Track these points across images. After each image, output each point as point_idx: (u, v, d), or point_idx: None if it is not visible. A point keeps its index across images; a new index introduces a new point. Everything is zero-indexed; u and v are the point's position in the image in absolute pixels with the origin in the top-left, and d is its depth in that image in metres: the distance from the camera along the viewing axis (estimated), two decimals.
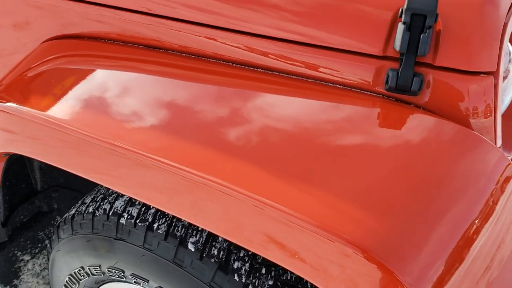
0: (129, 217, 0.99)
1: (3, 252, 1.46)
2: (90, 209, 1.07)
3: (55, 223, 1.61)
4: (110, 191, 1.10)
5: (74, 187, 1.57)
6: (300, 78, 0.87)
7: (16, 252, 1.53)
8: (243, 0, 0.87)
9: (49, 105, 0.90)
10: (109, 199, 1.06)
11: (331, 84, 0.86)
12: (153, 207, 1.00)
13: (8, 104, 0.93)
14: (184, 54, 0.95)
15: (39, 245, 1.59)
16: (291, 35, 0.85)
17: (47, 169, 1.43)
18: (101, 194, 1.12)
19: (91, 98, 0.90)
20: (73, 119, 0.84)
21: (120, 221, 1.00)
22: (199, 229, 0.95)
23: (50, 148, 0.90)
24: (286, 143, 0.77)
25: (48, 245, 1.28)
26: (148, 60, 0.98)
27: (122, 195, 1.06)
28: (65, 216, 1.19)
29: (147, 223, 0.97)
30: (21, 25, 1.12)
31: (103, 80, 0.95)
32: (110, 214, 1.02)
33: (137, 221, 0.98)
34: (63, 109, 0.88)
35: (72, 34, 1.08)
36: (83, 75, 0.97)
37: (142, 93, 0.90)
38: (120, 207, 1.02)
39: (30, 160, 1.35)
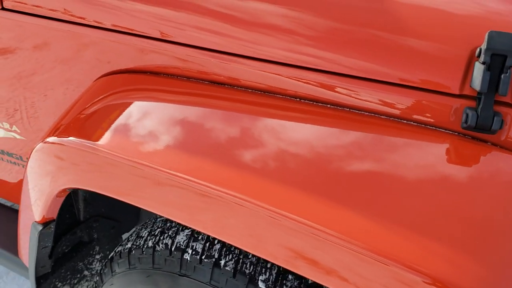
0: (193, 252, 0.98)
1: (46, 283, 1.44)
2: (150, 244, 1.06)
3: (94, 253, 1.60)
4: (168, 225, 1.10)
5: (113, 217, 1.57)
6: (376, 115, 0.87)
7: (57, 283, 1.51)
8: (312, 37, 0.88)
9: (122, 141, 0.90)
10: (169, 233, 1.06)
11: (405, 121, 0.86)
12: (217, 243, 0.99)
13: (79, 140, 0.93)
14: (243, 89, 0.96)
15: (78, 275, 1.57)
16: (368, 73, 0.86)
17: (90, 199, 1.42)
18: (158, 228, 1.11)
19: (159, 133, 0.90)
20: (153, 156, 0.84)
21: (184, 256, 0.99)
22: (268, 266, 0.94)
23: (125, 185, 0.90)
24: (366, 180, 0.77)
25: (98, 278, 1.27)
26: (205, 94, 0.99)
27: (183, 230, 1.05)
28: (118, 249, 1.18)
29: (214, 259, 0.96)
30: (75, 63, 1.14)
31: (166, 115, 0.95)
32: (172, 249, 1.01)
33: (203, 257, 0.97)
34: (137, 145, 0.88)
35: (126, 69, 1.09)
36: (146, 109, 0.97)
37: (211, 128, 0.91)
38: (183, 242, 1.01)
39: (75, 191, 1.34)
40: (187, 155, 0.82)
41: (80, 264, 1.57)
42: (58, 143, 0.97)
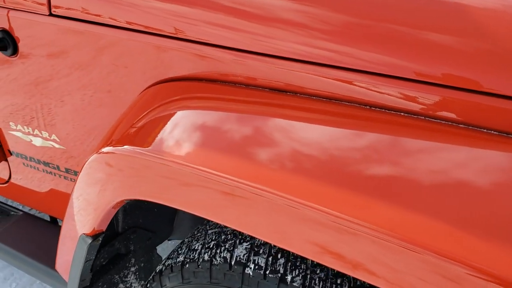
0: (256, 267, 0.95)
1: None
2: (206, 257, 1.02)
3: (129, 265, 1.56)
4: (223, 237, 1.06)
5: (150, 228, 1.53)
6: (459, 125, 0.83)
7: None
8: (382, 42, 0.85)
9: (198, 151, 0.86)
10: (226, 247, 1.02)
11: (485, 130, 0.83)
12: (281, 257, 0.95)
13: (143, 149, 0.90)
14: (292, 93, 0.92)
15: None
16: (454, 82, 0.82)
17: (130, 209, 1.39)
18: (212, 240, 1.07)
19: (227, 142, 0.86)
20: (225, 166, 0.81)
21: (246, 271, 0.95)
22: (338, 282, 0.90)
23: (194, 196, 0.86)
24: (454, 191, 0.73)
25: None
26: (268, 102, 0.95)
27: (241, 242, 1.02)
28: (168, 262, 1.14)
29: (279, 274, 0.92)
30: (123, 71, 1.10)
31: (233, 123, 0.92)
32: (232, 263, 0.97)
33: (267, 272, 0.93)
34: (207, 154, 0.84)
35: (178, 77, 1.06)
36: (210, 118, 0.93)
37: (272, 135, 0.87)
38: (244, 256, 0.97)
39: None
40: (279, 170, 0.78)
41: (116, 277, 1.53)
42: (119, 153, 0.93)
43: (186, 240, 1.20)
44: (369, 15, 0.83)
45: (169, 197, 0.91)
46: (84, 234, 1.11)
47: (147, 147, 0.91)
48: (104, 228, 1.10)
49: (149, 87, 1.11)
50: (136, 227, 1.50)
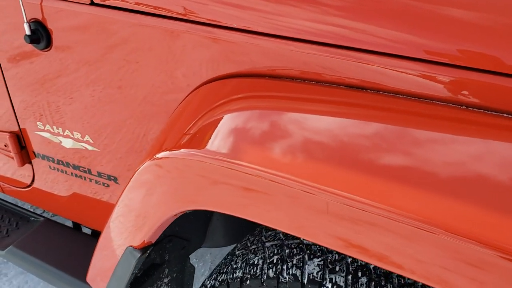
0: (335, 286, 0.85)
1: None
2: (271, 273, 0.92)
3: (163, 276, 1.45)
4: (288, 251, 0.96)
5: (185, 236, 1.43)
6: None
7: None
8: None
9: (269, 156, 0.76)
10: (294, 262, 0.92)
11: None
12: (362, 275, 0.86)
13: (214, 154, 0.79)
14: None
15: None
16: None
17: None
18: (274, 254, 0.97)
19: (312, 148, 0.76)
20: (315, 175, 0.70)
21: None
22: None
23: (275, 207, 0.76)
24: None
25: None
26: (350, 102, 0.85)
27: (311, 258, 0.92)
28: (222, 278, 1.04)
29: None
30: (177, 68, 1.00)
31: (311, 125, 0.81)
32: (304, 281, 0.87)
33: None
34: (287, 160, 0.74)
35: (236, 74, 0.96)
36: (284, 119, 0.83)
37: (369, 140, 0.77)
38: (317, 273, 0.88)
39: None
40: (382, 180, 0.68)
41: None
42: (183, 158, 0.83)
43: (237, 252, 1.09)
44: None
45: (254, 211, 0.79)
46: (131, 246, 1.00)
47: (220, 151, 0.80)
48: (153, 240, 1.00)
49: (200, 85, 1.00)
50: (172, 235, 1.40)
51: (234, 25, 0.90)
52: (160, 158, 0.89)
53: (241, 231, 1.57)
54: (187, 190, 0.85)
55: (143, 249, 1.00)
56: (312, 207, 0.70)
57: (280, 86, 0.90)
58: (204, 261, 2.23)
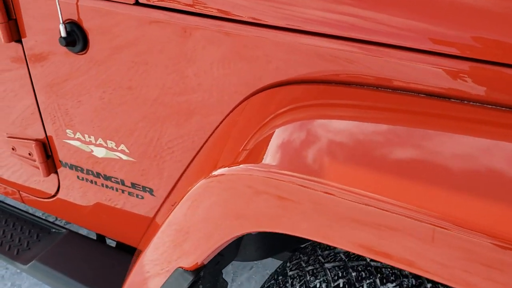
0: None
1: None
2: None
3: None
4: (354, 274, 0.88)
5: (220, 251, 1.35)
6: None
7: None
8: None
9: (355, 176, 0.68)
10: (364, 287, 0.84)
11: None
12: None
13: (292, 170, 0.71)
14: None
15: None
16: None
17: None
18: (339, 277, 0.89)
19: (401, 164, 0.68)
20: (417, 197, 0.62)
21: None
22: None
23: (369, 234, 0.68)
24: None
25: None
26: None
27: (385, 282, 0.84)
28: None
29: None
30: (229, 74, 0.92)
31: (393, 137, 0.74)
32: None
33: None
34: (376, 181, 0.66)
35: (291, 80, 0.88)
36: (356, 129, 0.75)
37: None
38: None
39: None
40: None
41: None
42: (247, 174, 0.74)
43: (290, 273, 1.01)
44: None
45: (343, 238, 0.71)
46: (181, 268, 0.92)
47: (293, 165, 0.72)
48: (206, 262, 0.92)
49: (253, 93, 0.92)
50: None
51: (289, 25, 0.81)
52: (218, 175, 0.81)
53: (275, 245, 1.50)
54: (254, 211, 0.77)
55: (195, 271, 0.91)
56: (417, 235, 0.62)
57: (341, 93, 0.82)
58: (225, 272, 2.15)
